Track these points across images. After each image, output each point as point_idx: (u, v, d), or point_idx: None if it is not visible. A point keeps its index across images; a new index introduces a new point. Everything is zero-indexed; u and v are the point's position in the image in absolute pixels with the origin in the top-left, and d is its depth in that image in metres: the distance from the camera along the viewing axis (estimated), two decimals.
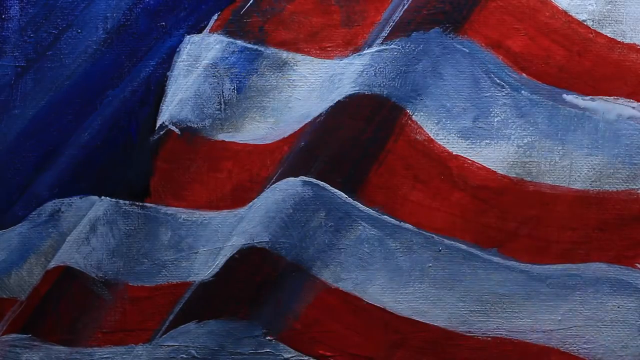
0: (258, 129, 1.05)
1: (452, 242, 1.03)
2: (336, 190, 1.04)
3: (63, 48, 1.06)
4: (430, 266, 1.04)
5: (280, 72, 1.05)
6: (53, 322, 1.06)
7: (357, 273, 1.04)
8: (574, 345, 1.02)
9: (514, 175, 1.03)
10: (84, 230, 1.06)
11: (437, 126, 1.04)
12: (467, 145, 1.03)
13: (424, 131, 1.04)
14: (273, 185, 1.04)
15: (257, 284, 1.05)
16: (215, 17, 1.05)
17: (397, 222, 1.04)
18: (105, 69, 1.06)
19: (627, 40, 1.02)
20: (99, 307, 1.06)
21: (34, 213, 1.07)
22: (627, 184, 1.01)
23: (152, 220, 1.06)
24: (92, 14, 1.05)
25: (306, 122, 1.05)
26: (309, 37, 1.04)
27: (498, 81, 1.03)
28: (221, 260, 1.05)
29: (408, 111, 1.04)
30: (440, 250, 1.03)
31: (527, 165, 1.02)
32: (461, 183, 1.03)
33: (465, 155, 1.03)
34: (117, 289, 1.06)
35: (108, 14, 1.05)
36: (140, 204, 1.06)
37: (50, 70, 1.06)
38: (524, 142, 1.03)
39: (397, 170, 1.04)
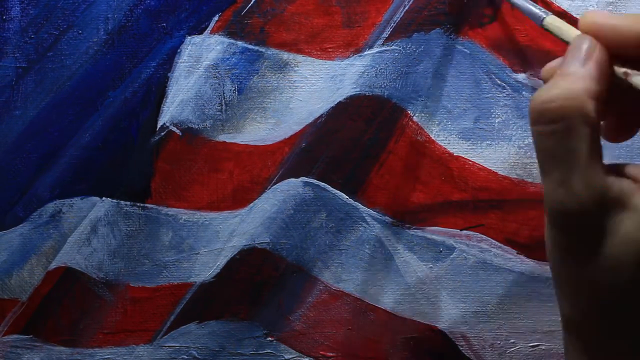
0: (259, 130, 1.06)
1: (452, 243, 1.03)
2: (337, 191, 1.04)
3: (64, 49, 1.06)
4: (430, 267, 1.04)
5: (281, 73, 1.05)
6: (54, 322, 1.07)
7: (358, 274, 1.04)
8: None
9: (515, 176, 1.03)
10: (85, 231, 1.06)
11: (438, 127, 1.04)
12: (468, 146, 1.03)
13: (425, 132, 1.04)
14: (274, 186, 1.05)
15: (258, 284, 1.05)
16: (216, 18, 1.05)
17: (397, 223, 1.04)
18: (106, 70, 1.06)
19: None
20: (100, 308, 1.07)
21: (34, 214, 1.07)
22: None
23: (153, 221, 1.06)
24: (93, 14, 1.05)
25: (307, 123, 1.05)
26: (310, 38, 1.04)
27: (499, 82, 1.03)
28: (222, 261, 1.06)
29: (409, 112, 1.04)
30: (440, 251, 1.04)
31: (529, 166, 1.02)
32: (462, 184, 1.03)
33: (466, 156, 1.03)
34: (118, 289, 1.06)
35: (109, 15, 1.05)
36: (141, 204, 1.06)
37: (51, 71, 1.06)
38: (525, 143, 1.03)
39: (398, 171, 1.04)
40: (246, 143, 1.06)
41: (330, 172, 1.04)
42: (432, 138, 1.04)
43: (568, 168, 0.57)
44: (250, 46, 1.05)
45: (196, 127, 1.06)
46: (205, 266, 1.06)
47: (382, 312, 1.04)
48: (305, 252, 1.05)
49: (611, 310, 0.58)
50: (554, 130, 0.57)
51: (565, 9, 1.02)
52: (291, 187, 1.05)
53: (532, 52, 1.02)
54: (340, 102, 1.04)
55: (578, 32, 0.69)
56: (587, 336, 0.62)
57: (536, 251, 1.02)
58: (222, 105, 1.05)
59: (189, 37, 1.06)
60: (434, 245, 1.03)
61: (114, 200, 1.06)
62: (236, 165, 1.06)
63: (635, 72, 0.59)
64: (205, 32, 1.06)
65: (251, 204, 1.05)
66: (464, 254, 1.03)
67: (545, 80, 0.71)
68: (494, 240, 1.03)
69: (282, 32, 1.05)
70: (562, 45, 1.03)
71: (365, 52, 1.04)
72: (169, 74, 1.06)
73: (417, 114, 1.04)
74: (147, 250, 1.06)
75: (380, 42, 1.04)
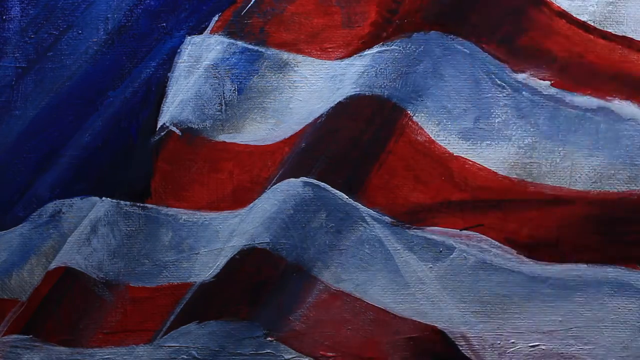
0: (259, 130, 1.06)
1: (452, 243, 1.03)
2: (337, 191, 1.04)
3: (64, 49, 1.06)
4: (430, 267, 1.04)
5: (281, 73, 1.05)
6: (54, 322, 1.07)
7: (358, 274, 1.04)
8: (575, 346, 1.02)
9: (515, 177, 1.03)
10: (85, 231, 1.06)
11: (438, 127, 1.04)
12: (468, 146, 1.03)
13: (425, 132, 1.04)
14: (274, 186, 1.05)
15: (257, 284, 1.05)
16: (216, 18, 1.05)
17: (397, 223, 1.04)
18: (106, 70, 1.06)
19: None
20: (100, 308, 1.07)
21: (34, 214, 1.07)
22: (628, 185, 1.02)
23: (152, 221, 1.06)
24: (93, 14, 1.05)
25: (307, 123, 1.05)
26: (310, 38, 1.04)
27: (499, 82, 1.03)
28: (222, 261, 1.05)
29: (409, 112, 1.04)
30: (440, 251, 1.04)
31: (528, 167, 1.02)
32: (462, 184, 1.03)
33: (466, 156, 1.03)
34: (118, 289, 1.06)
35: (109, 15, 1.05)
36: (141, 204, 1.06)
37: (51, 71, 1.06)
38: (525, 143, 1.03)
39: (398, 171, 1.04)
40: (246, 143, 1.06)
41: (330, 172, 1.04)
42: (432, 138, 1.04)
43: None
44: (250, 46, 1.05)
45: (196, 127, 1.06)
46: (205, 266, 1.06)
47: (382, 312, 1.04)
48: (305, 252, 1.05)
49: None
50: None
51: (565, 9, 1.02)
52: (291, 187, 1.05)
53: (532, 52, 1.02)
54: (340, 102, 1.04)
55: None
56: None
57: (536, 251, 1.02)
58: (222, 105, 1.05)
59: (189, 37, 1.06)
60: (434, 245, 1.03)
61: (114, 200, 1.06)
62: (236, 165, 1.06)
63: None
64: (205, 32, 1.06)
65: (251, 204, 1.05)
66: (464, 254, 1.03)
67: None
68: (494, 240, 1.03)
69: (282, 32, 1.05)
70: (562, 45, 1.04)
71: (365, 52, 1.04)
72: (169, 74, 1.06)
73: (417, 114, 1.04)
74: (147, 250, 1.06)
75: (380, 42, 1.04)
